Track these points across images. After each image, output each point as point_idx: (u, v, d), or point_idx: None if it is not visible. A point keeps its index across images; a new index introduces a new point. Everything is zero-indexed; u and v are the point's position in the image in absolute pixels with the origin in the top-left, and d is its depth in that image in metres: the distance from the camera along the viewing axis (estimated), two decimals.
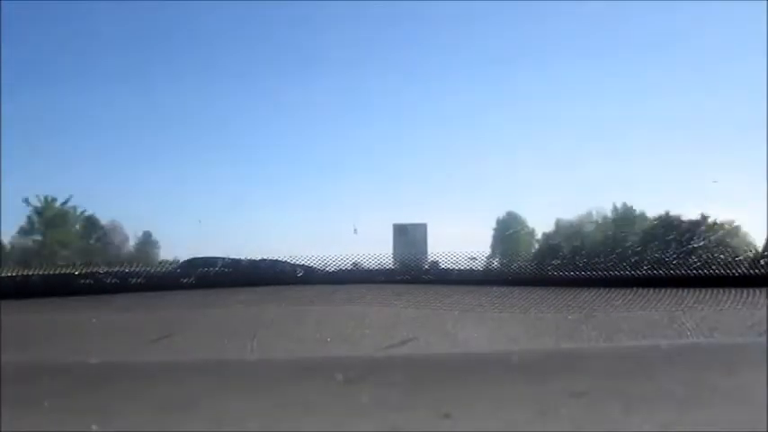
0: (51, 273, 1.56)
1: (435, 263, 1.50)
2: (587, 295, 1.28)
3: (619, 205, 16.64)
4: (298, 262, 1.51)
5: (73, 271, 1.54)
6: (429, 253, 1.58)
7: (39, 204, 17.85)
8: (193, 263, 1.62)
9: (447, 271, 1.47)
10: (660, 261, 1.35)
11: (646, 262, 1.37)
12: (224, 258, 1.56)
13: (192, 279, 1.49)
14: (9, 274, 1.53)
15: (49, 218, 17.79)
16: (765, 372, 0.76)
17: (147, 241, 17.98)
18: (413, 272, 1.48)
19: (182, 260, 1.71)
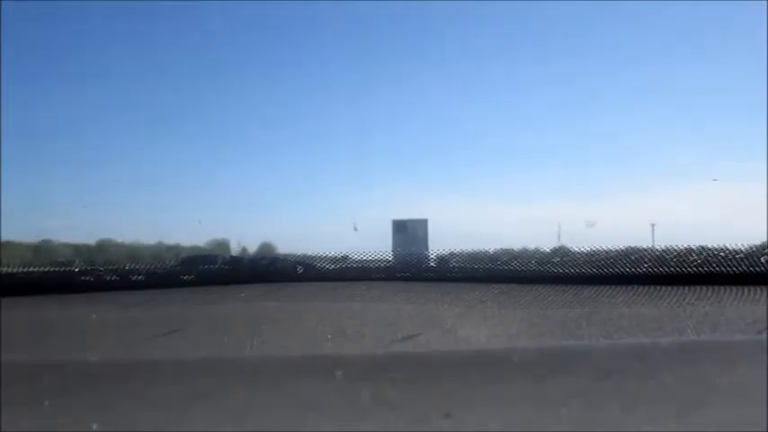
0: (52, 270, 1.56)
1: (436, 259, 1.50)
2: (589, 292, 1.28)
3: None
4: (297, 259, 1.51)
5: (73, 268, 1.54)
6: (430, 249, 1.58)
7: None
8: (193, 260, 1.62)
9: (448, 268, 1.47)
10: (661, 258, 1.35)
11: (647, 259, 1.36)
12: (224, 255, 1.56)
13: (192, 276, 1.49)
14: (10, 271, 1.52)
15: None
16: (766, 369, 0.76)
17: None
18: (414, 269, 1.47)
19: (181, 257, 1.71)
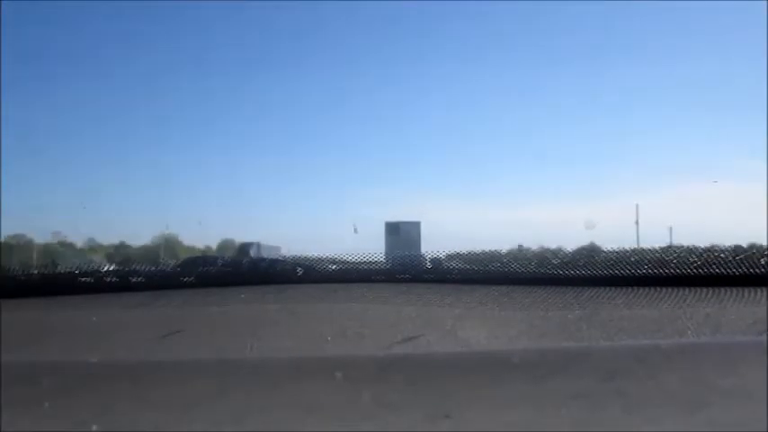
0: (53, 272, 1.56)
1: (436, 261, 1.50)
2: (589, 294, 1.28)
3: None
4: (297, 261, 1.51)
5: (74, 270, 1.54)
6: (423, 251, 1.58)
7: None
8: (194, 262, 1.62)
9: (448, 269, 1.47)
10: (661, 260, 1.35)
11: (647, 261, 1.36)
12: (224, 257, 1.56)
13: (192, 278, 1.49)
14: (11, 273, 1.52)
15: None
16: (766, 370, 0.76)
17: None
18: (414, 270, 1.47)
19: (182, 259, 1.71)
